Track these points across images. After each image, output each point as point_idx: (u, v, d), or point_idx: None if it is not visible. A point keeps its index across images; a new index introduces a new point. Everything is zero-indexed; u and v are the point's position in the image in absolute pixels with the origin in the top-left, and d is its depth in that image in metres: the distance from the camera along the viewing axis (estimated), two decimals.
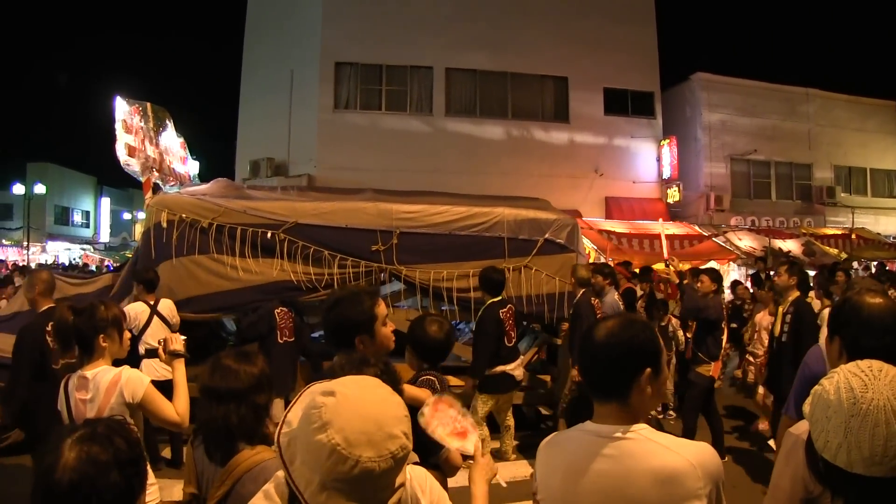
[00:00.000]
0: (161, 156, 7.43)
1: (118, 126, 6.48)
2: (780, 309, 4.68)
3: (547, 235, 5.93)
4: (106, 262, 24.81)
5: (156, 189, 6.47)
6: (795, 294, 4.58)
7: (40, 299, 4.00)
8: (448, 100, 16.22)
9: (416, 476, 1.34)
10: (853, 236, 14.36)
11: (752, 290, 8.63)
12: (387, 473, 1.00)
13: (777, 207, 18.72)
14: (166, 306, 5.03)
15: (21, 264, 18.53)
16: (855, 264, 12.88)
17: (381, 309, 2.12)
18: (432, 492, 1.36)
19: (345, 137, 15.23)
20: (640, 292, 7.72)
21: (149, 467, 1.47)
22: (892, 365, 1.20)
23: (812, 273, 8.29)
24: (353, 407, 1.00)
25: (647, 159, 17.29)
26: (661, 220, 12.06)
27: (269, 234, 5.49)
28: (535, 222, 5.97)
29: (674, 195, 16.94)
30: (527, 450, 5.20)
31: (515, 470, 4.73)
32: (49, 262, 25.15)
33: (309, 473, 1.00)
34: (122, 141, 6.51)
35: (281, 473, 1.09)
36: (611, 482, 1.29)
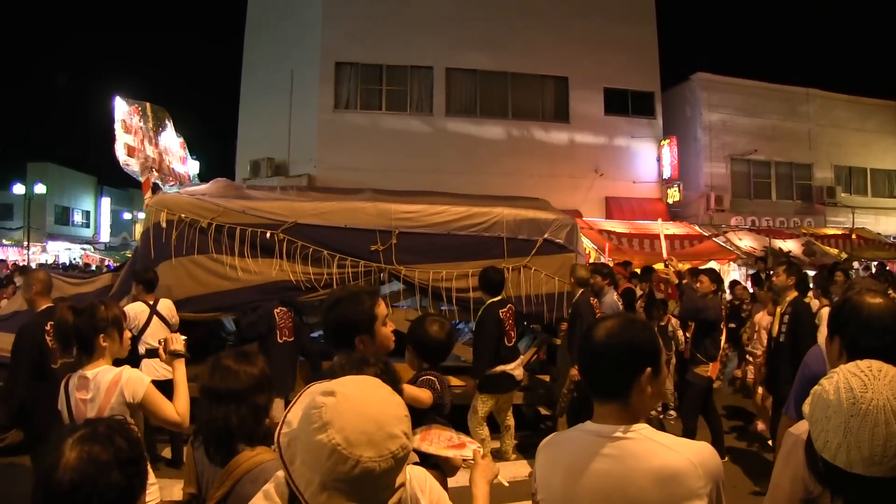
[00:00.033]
0: (160, 156, 7.44)
1: (117, 126, 6.49)
2: (778, 309, 4.67)
3: (546, 235, 5.93)
4: (106, 262, 24.81)
5: (155, 189, 6.47)
6: (793, 294, 4.57)
7: (38, 299, 3.99)
8: (448, 100, 16.22)
9: (415, 476, 1.34)
10: (853, 236, 14.36)
11: (751, 290, 8.63)
12: (387, 473, 1.00)
13: (777, 207, 18.72)
14: (166, 306, 5.03)
15: (21, 264, 18.52)
16: (855, 264, 12.88)
17: (381, 309, 2.12)
18: (432, 492, 1.36)
19: (345, 137, 15.24)
20: (639, 292, 7.72)
21: (149, 467, 1.47)
22: (892, 365, 1.20)
23: (812, 273, 8.30)
24: (354, 407, 1.00)
25: (648, 159, 17.29)
26: (660, 220, 12.04)
27: (268, 234, 5.49)
28: (534, 222, 5.97)
29: (674, 195, 16.95)
30: (526, 450, 5.20)
31: (515, 470, 4.73)
32: (49, 262, 25.14)
33: (309, 474, 1.00)
34: (122, 141, 6.52)
35: (281, 473, 1.09)
36: (612, 482, 1.30)
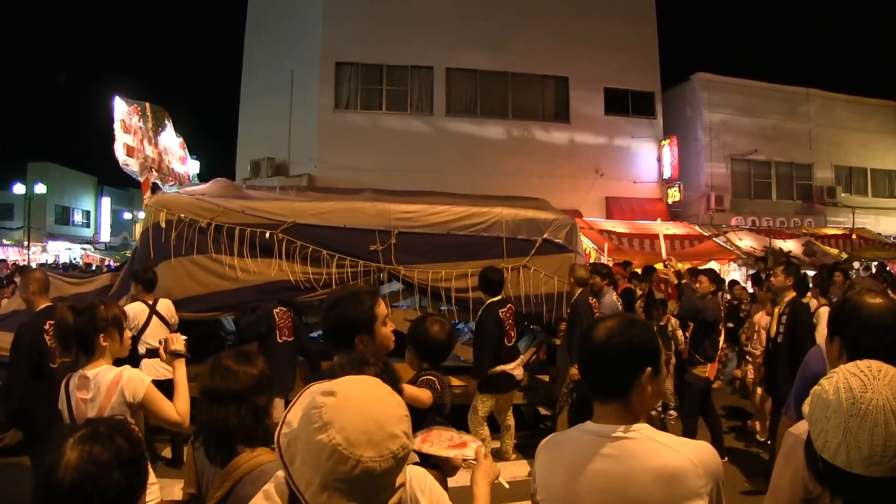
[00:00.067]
0: (160, 156, 7.45)
1: (117, 126, 6.50)
2: (776, 310, 4.65)
3: (545, 235, 5.93)
4: (107, 262, 24.81)
5: (154, 189, 6.48)
6: (792, 295, 4.56)
7: (35, 298, 4.00)
8: (449, 100, 16.22)
9: (415, 476, 1.34)
10: (854, 236, 14.36)
11: (752, 291, 8.63)
12: (388, 473, 1.00)
13: (777, 207, 18.72)
14: (165, 306, 5.03)
15: (21, 264, 18.52)
16: (856, 264, 12.88)
17: (381, 309, 2.12)
18: (432, 492, 1.36)
19: (345, 137, 15.24)
20: (639, 292, 7.72)
21: (149, 466, 1.47)
22: (892, 365, 1.20)
23: (812, 273, 8.30)
24: (354, 407, 1.00)
25: (648, 159, 17.29)
26: (659, 220, 12.04)
27: (267, 234, 5.49)
28: (533, 222, 5.97)
29: (674, 195, 16.95)
30: (525, 450, 5.20)
31: (515, 470, 4.73)
32: (50, 262, 25.13)
33: (309, 474, 1.00)
34: (121, 141, 6.53)
35: (281, 473, 1.09)
36: (612, 482, 1.30)
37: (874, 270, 11.81)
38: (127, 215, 35.82)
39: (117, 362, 2.56)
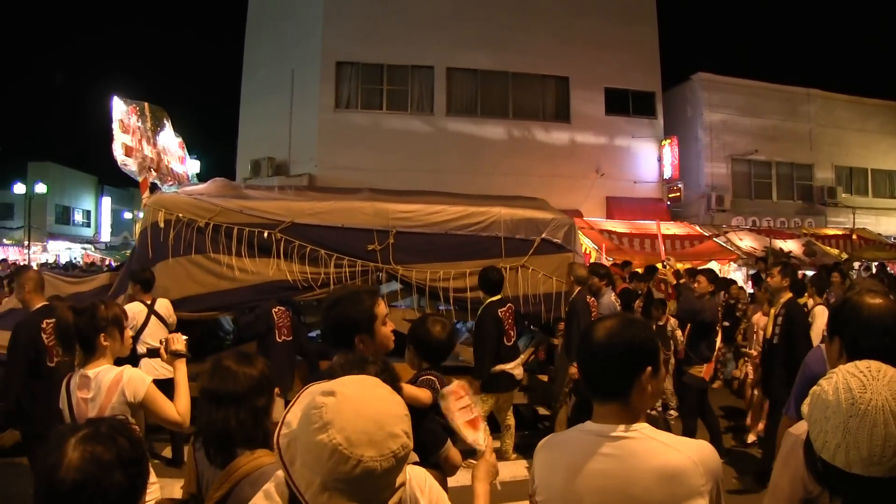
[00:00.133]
0: (159, 155, 7.44)
1: (115, 126, 6.49)
2: (772, 311, 4.62)
3: (544, 235, 5.92)
4: (107, 262, 24.80)
5: (153, 189, 6.48)
6: (788, 296, 4.53)
7: (31, 297, 3.99)
8: (449, 99, 16.21)
9: (415, 476, 1.35)
10: (854, 237, 14.37)
11: (751, 291, 8.63)
12: (388, 473, 1.00)
13: (778, 208, 18.73)
14: (163, 306, 5.03)
15: (22, 263, 18.53)
16: (856, 265, 12.89)
17: (381, 308, 2.12)
18: (431, 491, 1.36)
19: (346, 137, 15.23)
20: (638, 292, 7.71)
21: (150, 466, 1.47)
22: (891, 365, 1.20)
23: (811, 273, 8.30)
24: (354, 406, 1.00)
25: (648, 159, 17.28)
26: (657, 220, 12.03)
27: (265, 234, 5.49)
28: (531, 222, 5.97)
29: (675, 195, 16.94)
30: (524, 449, 5.20)
31: (515, 469, 4.73)
32: (50, 262, 25.13)
33: (310, 474, 1.00)
34: (120, 141, 6.52)
35: (281, 473, 1.09)
36: (613, 481, 1.30)
37: (874, 271, 11.82)
38: (127, 215, 35.85)
39: (117, 362, 2.56)
